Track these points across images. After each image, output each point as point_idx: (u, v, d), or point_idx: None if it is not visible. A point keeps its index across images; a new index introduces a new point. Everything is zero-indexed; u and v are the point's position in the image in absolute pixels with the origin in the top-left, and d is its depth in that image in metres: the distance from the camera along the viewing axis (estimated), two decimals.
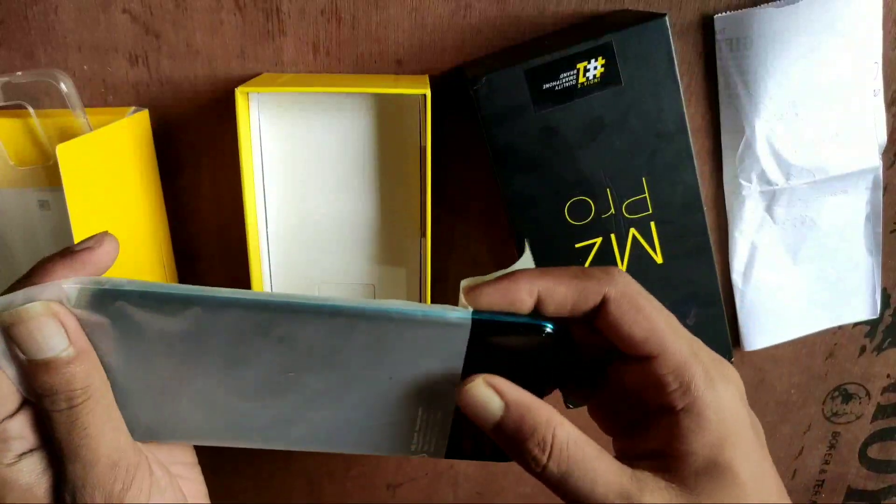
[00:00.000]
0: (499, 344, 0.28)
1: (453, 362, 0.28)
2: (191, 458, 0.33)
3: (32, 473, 0.27)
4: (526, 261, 0.31)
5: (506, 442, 0.28)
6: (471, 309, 0.28)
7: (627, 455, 0.29)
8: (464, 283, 0.29)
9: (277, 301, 0.27)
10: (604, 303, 0.28)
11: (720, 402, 0.28)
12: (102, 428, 0.27)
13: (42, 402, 0.26)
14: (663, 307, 0.29)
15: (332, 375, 0.28)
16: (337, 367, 0.28)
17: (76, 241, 0.35)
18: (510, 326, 0.28)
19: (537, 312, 0.28)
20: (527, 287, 0.28)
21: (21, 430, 0.27)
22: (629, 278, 0.29)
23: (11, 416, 0.27)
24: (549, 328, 0.28)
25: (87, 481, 0.27)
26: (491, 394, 0.27)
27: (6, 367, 0.26)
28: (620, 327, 0.28)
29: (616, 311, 0.28)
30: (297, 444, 0.30)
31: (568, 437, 0.27)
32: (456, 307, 0.28)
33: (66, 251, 0.28)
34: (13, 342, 0.26)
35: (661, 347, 0.28)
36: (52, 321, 0.26)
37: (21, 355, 0.26)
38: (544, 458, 0.27)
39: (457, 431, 0.30)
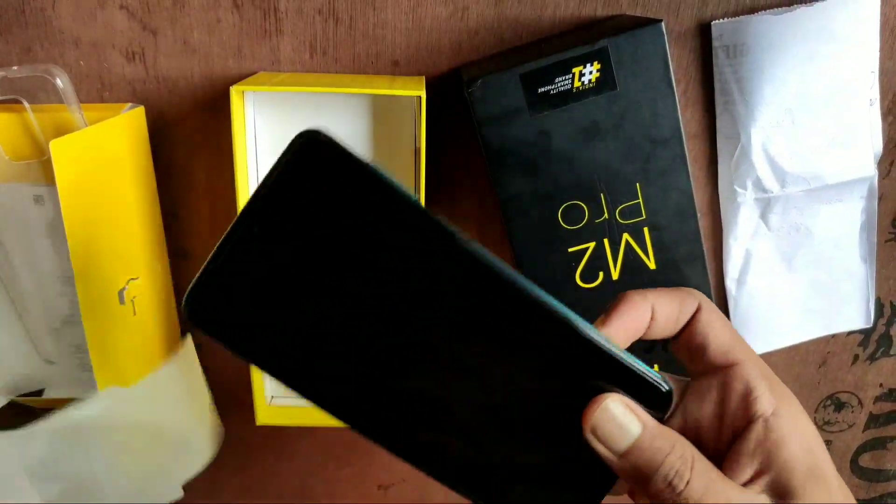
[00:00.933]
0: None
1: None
2: None
3: None
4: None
5: (636, 468, 0.25)
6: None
7: None
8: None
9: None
10: (696, 313, 0.28)
11: (796, 405, 0.27)
12: None
13: None
14: None
15: None
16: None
17: (69, 236, 0.35)
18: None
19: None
20: (643, 303, 0.27)
21: None
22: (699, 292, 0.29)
23: None
24: (665, 387, 0.25)
25: None
26: (630, 415, 0.25)
27: None
28: (710, 335, 0.28)
29: (707, 318, 0.28)
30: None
31: (699, 457, 0.25)
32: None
33: None
34: None
35: (745, 353, 0.27)
36: None
37: None
38: (684, 482, 0.24)
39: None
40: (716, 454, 0.27)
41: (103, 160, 0.38)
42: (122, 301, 0.40)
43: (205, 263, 0.22)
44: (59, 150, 0.34)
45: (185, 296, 0.22)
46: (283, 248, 0.22)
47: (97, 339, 0.37)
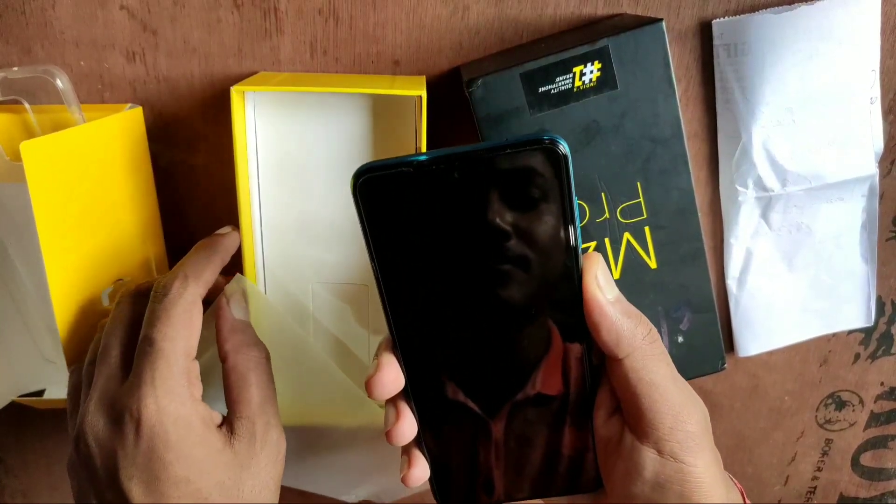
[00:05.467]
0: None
1: None
2: None
3: (208, 409, 0.33)
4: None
5: (625, 313, 0.29)
6: None
7: None
8: None
9: None
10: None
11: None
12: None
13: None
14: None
15: None
16: None
17: (42, 238, 0.35)
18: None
19: None
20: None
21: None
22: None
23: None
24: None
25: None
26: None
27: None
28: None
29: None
30: None
31: None
32: None
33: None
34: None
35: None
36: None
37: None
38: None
39: None
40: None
41: (91, 161, 0.38)
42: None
43: (397, 158, 0.27)
44: (30, 153, 0.34)
45: (361, 169, 0.27)
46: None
47: (73, 340, 0.37)
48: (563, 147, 0.26)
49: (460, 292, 0.29)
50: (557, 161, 0.26)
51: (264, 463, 0.33)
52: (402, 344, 0.30)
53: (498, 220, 0.27)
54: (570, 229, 0.28)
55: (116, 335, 0.34)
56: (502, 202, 0.27)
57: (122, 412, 0.31)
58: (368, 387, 0.29)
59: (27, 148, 0.33)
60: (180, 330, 0.32)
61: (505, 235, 0.28)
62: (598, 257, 0.29)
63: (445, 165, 0.26)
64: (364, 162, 0.41)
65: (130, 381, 0.32)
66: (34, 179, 0.34)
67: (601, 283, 0.29)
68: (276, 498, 0.34)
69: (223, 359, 0.34)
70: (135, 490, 0.30)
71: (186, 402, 0.31)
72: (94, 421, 0.32)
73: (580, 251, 0.28)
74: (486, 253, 0.28)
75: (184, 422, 0.31)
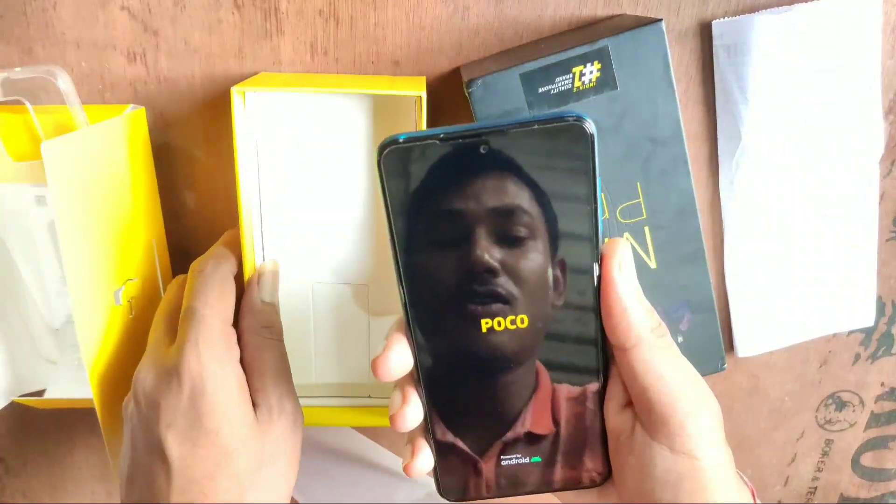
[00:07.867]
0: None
1: None
2: None
3: (244, 375, 0.36)
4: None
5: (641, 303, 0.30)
6: None
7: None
8: None
9: None
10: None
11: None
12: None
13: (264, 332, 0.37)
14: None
15: None
16: None
17: (61, 238, 0.35)
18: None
19: None
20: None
21: None
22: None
23: None
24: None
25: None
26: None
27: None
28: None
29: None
30: None
31: None
32: None
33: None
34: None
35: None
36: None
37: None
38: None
39: None
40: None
41: (100, 161, 0.38)
42: (118, 301, 0.40)
43: (421, 132, 0.27)
44: (52, 152, 0.34)
45: (386, 141, 0.27)
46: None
47: (90, 339, 0.37)
48: (591, 125, 0.26)
49: (479, 270, 0.28)
50: (584, 139, 0.27)
51: (281, 430, 0.35)
52: (415, 324, 0.29)
53: (521, 194, 0.27)
54: (594, 208, 0.28)
55: (164, 311, 0.39)
56: (527, 177, 0.27)
57: (168, 369, 0.34)
58: (374, 366, 0.29)
59: (49, 148, 0.34)
60: (217, 299, 0.36)
61: (527, 211, 0.28)
62: (625, 243, 0.29)
63: (472, 139, 0.27)
64: (364, 162, 0.42)
65: (175, 343, 0.35)
66: (55, 180, 0.34)
67: (624, 267, 0.29)
68: (294, 466, 0.36)
69: (239, 336, 0.37)
70: (171, 438, 0.33)
71: (225, 363, 0.35)
72: (144, 378, 0.35)
73: (602, 229, 0.28)
74: (508, 228, 0.28)
75: (221, 379, 0.34)
